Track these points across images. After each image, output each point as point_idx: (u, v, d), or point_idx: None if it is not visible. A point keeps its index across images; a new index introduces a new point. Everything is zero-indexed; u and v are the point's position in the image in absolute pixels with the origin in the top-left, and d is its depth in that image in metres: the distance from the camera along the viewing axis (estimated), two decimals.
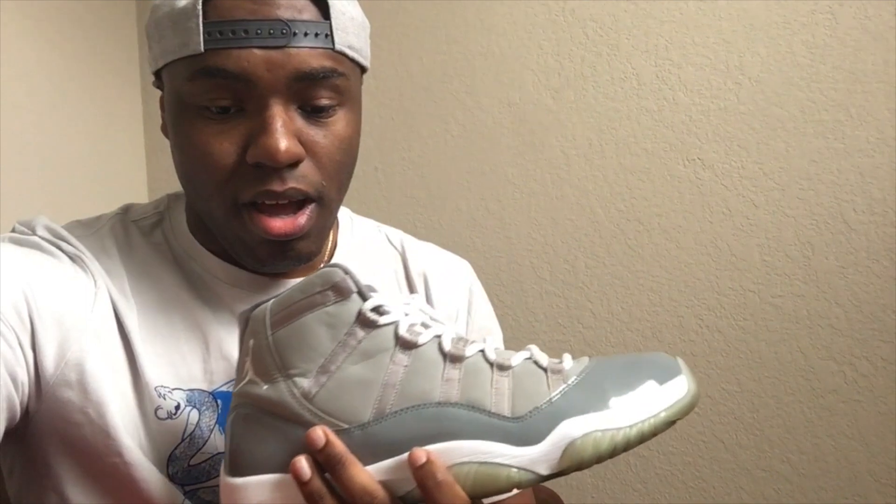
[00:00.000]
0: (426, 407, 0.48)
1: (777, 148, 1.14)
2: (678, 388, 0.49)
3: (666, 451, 1.23)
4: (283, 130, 0.55)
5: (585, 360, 0.51)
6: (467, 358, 0.49)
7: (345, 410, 0.48)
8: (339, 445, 0.46)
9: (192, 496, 0.59)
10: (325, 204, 0.60)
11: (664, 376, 0.49)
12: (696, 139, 1.20)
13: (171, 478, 0.59)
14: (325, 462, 0.46)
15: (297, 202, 0.58)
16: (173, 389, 0.59)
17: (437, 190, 1.43)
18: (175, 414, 0.59)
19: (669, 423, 0.48)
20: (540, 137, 1.33)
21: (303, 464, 0.46)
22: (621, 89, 1.26)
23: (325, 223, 0.62)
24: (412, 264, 0.75)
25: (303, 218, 0.58)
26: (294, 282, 0.66)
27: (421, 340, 0.50)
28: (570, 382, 0.48)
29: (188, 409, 0.59)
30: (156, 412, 0.58)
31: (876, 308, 1.07)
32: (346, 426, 0.48)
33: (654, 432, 0.47)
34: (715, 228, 1.19)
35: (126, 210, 0.68)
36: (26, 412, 0.57)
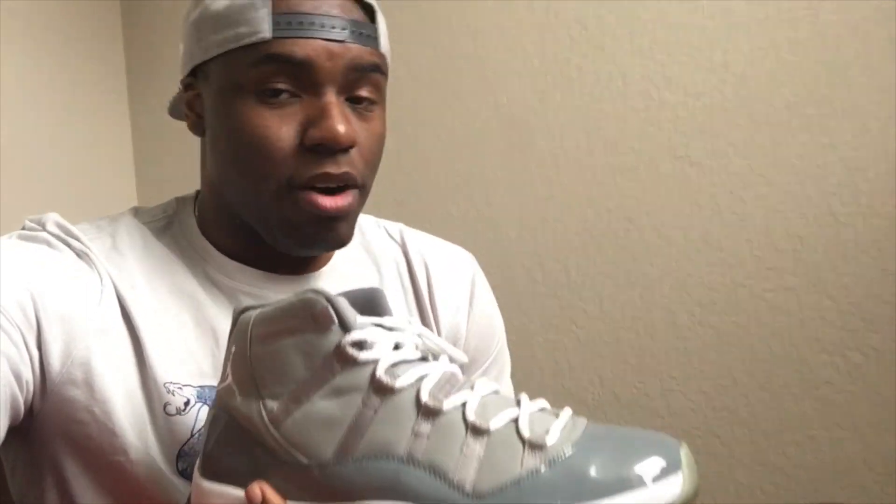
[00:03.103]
0: (388, 460, 0.45)
1: (763, 144, 1.15)
2: (669, 488, 0.42)
3: None
4: (342, 116, 0.59)
5: (580, 428, 0.46)
6: (444, 413, 0.45)
7: (308, 445, 0.46)
8: (275, 503, 0.46)
9: None
10: (363, 192, 0.64)
11: (657, 470, 0.43)
12: (682, 137, 1.20)
13: (181, 473, 0.59)
14: None
15: (343, 186, 0.61)
16: (183, 386, 0.59)
17: (427, 195, 1.44)
18: (184, 410, 0.59)
19: None
20: (528, 140, 1.33)
21: None
22: (607, 90, 1.26)
23: (359, 211, 0.65)
24: (413, 255, 0.76)
25: (349, 197, 0.61)
26: (307, 277, 0.68)
27: (398, 385, 0.46)
28: (547, 461, 0.44)
29: (198, 404, 0.59)
30: (164, 408, 0.59)
31: (866, 299, 1.08)
32: (306, 461, 0.46)
33: None
34: (704, 225, 1.19)
35: (135, 212, 0.69)
36: (30, 410, 0.57)
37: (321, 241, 0.62)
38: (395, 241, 0.77)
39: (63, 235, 0.61)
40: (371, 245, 0.76)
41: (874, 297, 1.08)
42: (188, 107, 0.66)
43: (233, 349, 0.51)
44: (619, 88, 1.25)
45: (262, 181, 0.60)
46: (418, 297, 0.74)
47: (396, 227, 0.79)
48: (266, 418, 0.47)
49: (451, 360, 0.52)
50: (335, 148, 0.58)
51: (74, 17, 1.66)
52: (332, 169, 0.59)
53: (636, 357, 1.25)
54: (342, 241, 0.63)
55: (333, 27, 0.59)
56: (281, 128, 0.59)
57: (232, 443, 0.49)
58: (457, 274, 0.78)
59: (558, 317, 1.32)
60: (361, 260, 0.74)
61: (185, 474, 0.59)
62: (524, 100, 1.34)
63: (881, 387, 1.07)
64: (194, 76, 0.64)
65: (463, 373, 0.51)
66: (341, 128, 0.58)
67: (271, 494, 0.45)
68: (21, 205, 1.51)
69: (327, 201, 0.60)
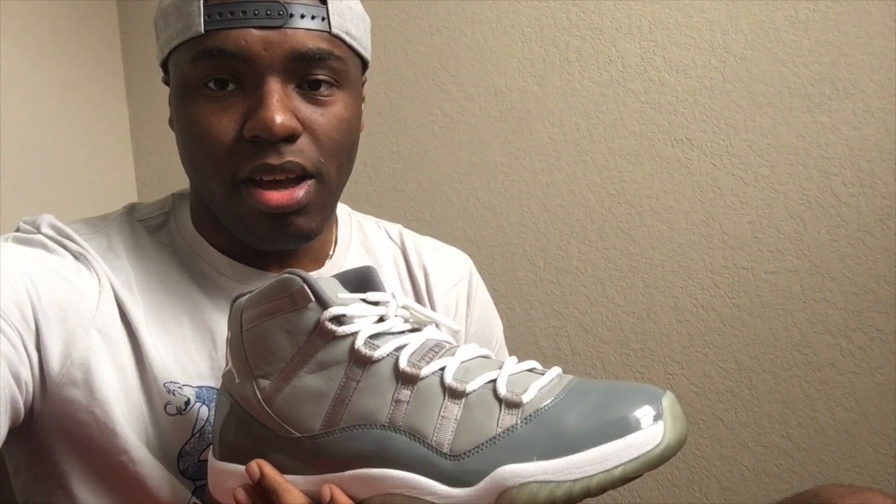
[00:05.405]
0: (371, 428, 0.46)
1: (764, 125, 1.14)
2: (650, 438, 0.42)
3: None
4: (280, 105, 0.57)
5: (562, 385, 0.46)
6: (422, 379, 0.47)
7: (298, 419, 0.48)
8: (271, 478, 0.47)
9: (203, 491, 0.59)
10: (324, 181, 0.61)
11: (638, 420, 0.43)
12: (683, 119, 1.20)
13: (182, 472, 0.59)
14: (262, 494, 0.47)
15: (294, 178, 0.59)
16: (183, 386, 0.59)
17: (427, 182, 1.43)
18: (185, 409, 0.59)
19: (626, 480, 0.42)
20: (527, 125, 1.33)
21: (241, 495, 0.47)
22: (607, 73, 1.25)
23: (325, 202, 0.62)
24: (412, 258, 0.76)
25: (300, 191, 0.59)
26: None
27: (377, 355, 0.47)
28: (524, 418, 0.44)
29: (198, 404, 0.60)
30: (165, 408, 0.59)
31: (869, 279, 1.08)
32: (297, 435, 0.48)
33: (604, 488, 0.42)
34: (706, 208, 1.19)
35: (131, 210, 0.69)
36: (31, 411, 0.57)
37: (279, 236, 0.60)
38: (395, 243, 0.77)
39: (58, 237, 0.61)
40: (372, 246, 0.75)
41: (877, 277, 1.07)
42: (168, 102, 0.65)
43: (229, 335, 0.52)
44: (619, 71, 1.24)
45: (211, 177, 0.60)
46: (418, 300, 0.74)
47: (396, 229, 0.79)
48: (260, 397, 0.49)
49: (449, 330, 0.53)
50: (271, 139, 0.57)
51: (71, 14, 1.65)
52: (272, 160, 0.57)
53: (639, 342, 1.25)
54: (305, 235, 0.61)
55: (269, 13, 0.56)
56: (222, 121, 0.58)
57: (236, 423, 0.51)
58: (454, 277, 0.78)
59: (560, 302, 1.31)
60: (363, 259, 0.73)
61: (187, 474, 0.59)
62: (523, 85, 1.33)
63: (885, 368, 1.07)
64: (166, 73, 0.64)
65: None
66: (278, 118, 0.56)
67: (269, 470, 0.47)
68: (21, 202, 1.50)
69: (273, 196, 0.58)
